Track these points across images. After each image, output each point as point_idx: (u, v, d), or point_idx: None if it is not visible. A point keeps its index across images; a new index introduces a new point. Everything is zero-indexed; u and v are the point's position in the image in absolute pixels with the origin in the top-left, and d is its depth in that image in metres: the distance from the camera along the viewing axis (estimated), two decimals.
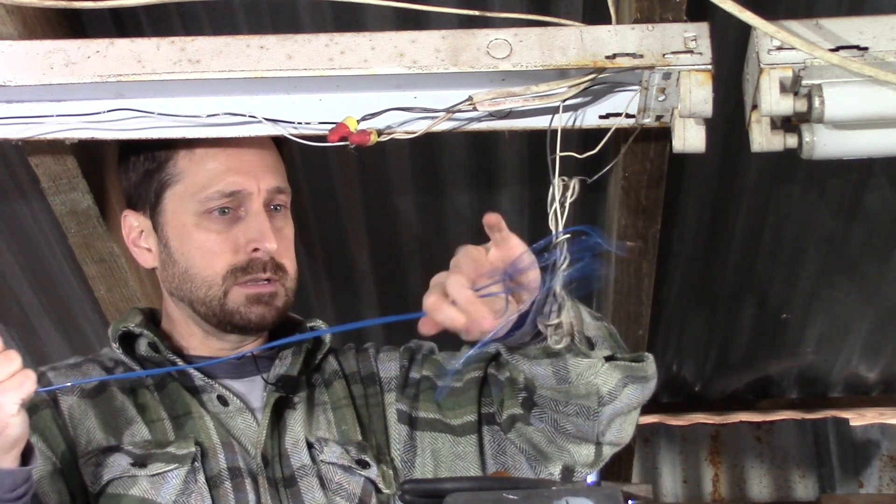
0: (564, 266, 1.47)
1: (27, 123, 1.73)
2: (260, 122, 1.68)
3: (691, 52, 1.63)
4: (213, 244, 1.66)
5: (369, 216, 2.60)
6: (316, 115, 1.71)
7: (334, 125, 1.65)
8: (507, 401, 1.70)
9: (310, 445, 1.67)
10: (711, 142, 1.71)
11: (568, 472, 1.67)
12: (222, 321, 1.67)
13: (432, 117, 1.67)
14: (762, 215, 2.60)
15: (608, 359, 1.57)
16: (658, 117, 1.73)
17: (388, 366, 1.79)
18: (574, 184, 1.57)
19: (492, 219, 1.43)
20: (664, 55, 1.63)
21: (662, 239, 2.37)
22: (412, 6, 1.73)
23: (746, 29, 1.64)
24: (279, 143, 1.75)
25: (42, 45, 1.66)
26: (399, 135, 1.68)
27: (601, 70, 1.64)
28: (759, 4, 1.62)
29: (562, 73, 1.65)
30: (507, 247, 1.43)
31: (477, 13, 1.77)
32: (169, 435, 1.62)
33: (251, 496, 1.59)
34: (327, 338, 1.77)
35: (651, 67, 1.63)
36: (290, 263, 1.70)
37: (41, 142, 1.78)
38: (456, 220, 2.61)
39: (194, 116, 1.69)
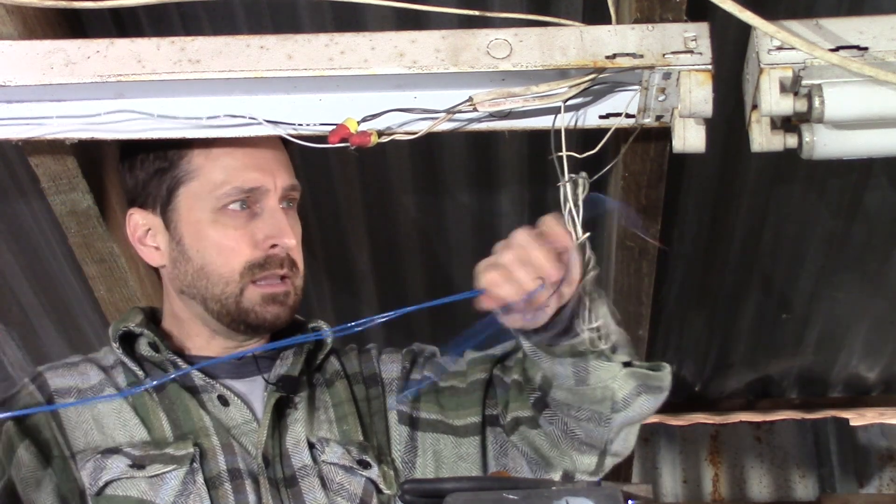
0: (592, 265, 1.50)
1: (27, 124, 1.72)
2: (260, 123, 1.68)
3: (691, 52, 1.63)
4: (230, 240, 1.66)
5: (369, 216, 2.60)
6: (316, 115, 1.71)
7: (335, 126, 1.65)
8: (513, 403, 1.70)
9: (311, 446, 1.67)
10: (711, 142, 1.71)
11: (568, 477, 1.68)
12: (236, 319, 1.67)
13: (433, 118, 1.67)
14: (762, 215, 2.60)
15: (626, 365, 1.58)
16: (658, 117, 1.73)
17: (391, 367, 1.79)
18: (584, 181, 1.57)
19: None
20: (664, 55, 1.63)
21: (662, 239, 2.37)
22: (412, 6, 1.73)
23: (746, 29, 1.64)
24: (285, 141, 1.75)
25: (42, 45, 1.66)
26: (399, 136, 1.68)
27: (601, 70, 1.64)
28: (759, 4, 1.62)
29: (562, 73, 1.65)
30: (554, 239, 1.48)
31: (477, 13, 1.77)
32: (167, 436, 1.62)
33: (251, 497, 1.59)
34: (329, 338, 1.77)
35: (651, 67, 1.63)
36: (300, 261, 1.71)
37: (41, 142, 1.78)
38: (456, 220, 2.62)
39: (194, 117, 1.69)
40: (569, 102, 1.68)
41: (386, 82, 1.67)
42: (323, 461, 1.66)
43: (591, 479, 1.69)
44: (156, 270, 1.78)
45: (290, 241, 1.66)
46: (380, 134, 1.67)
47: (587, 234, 1.53)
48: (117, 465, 1.58)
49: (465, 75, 1.64)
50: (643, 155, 2.05)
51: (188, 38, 1.65)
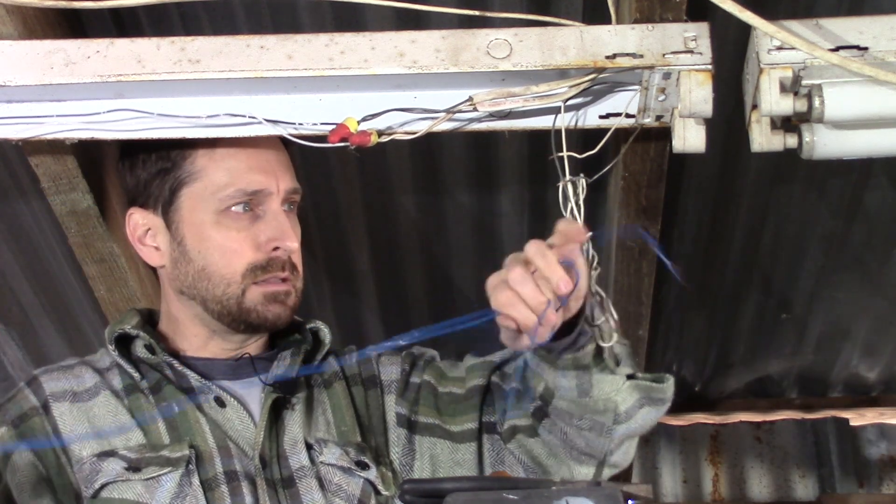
0: (595, 264, 1.50)
1: (27, 123, 1.73)
2: (260, 122, 1.68)
3: (691, 52, 1.63)
4: (232, 242, 1.66)
5: (369, 216, 2.60)
6: (316, 115, 1.71)
7: (335, 126, 1.65)
8: (511, 411, 1.70)
9: (309, 447, 1.66)
10: (711, 142, 1.71)
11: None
12: (237, 319, 1.67)
13: (432, 118, 1.67)
14: (762, 215, 2.60)
15: (629, 377, 1.58)
16: (658, 117, 1.73)
17: (390, 369, 1.79)
18: (582, 182, 1.57)
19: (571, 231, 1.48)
20: (664, 55, 1.63)
21: (662, 239, 2.37)
22: (412, 6, 1.73)
23: (746, 29, 1.64)
24: (286, 141, 1.75)
25: (42, 45, 1.66)
26: (399, 135, 1.68)
27: (601, 70, 1.64)
28: (759, 4, 1.62)
29: (562, 73, 1.65)
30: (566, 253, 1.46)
31: (477, 13, 1.77)
32: (164, 438, 1.62)
33: (248, 499, 1.59)
34: (327, 339, 1.77)
35: (651, 67, 1.63)
36: (301, 264, 1.71)
37: (41, 142, 1.78)
38: (456, 220, 2.61)
39: (194, 117, 1.69)
40: (569, 102, 1.68)
41: (386, 82, 1.67)
42: (321, 462, 1.65)
43: None
44: (154, 271, 1.78)
45: (293, 243, 1.67)
46: (380, 134, 1.67)
47: (589, 234, 1.53)
48: (113, 467, 1.58)
49: (465, 75, 1.64)
50: (643, 155, 2.05)
51: (188, 38, 1.65)
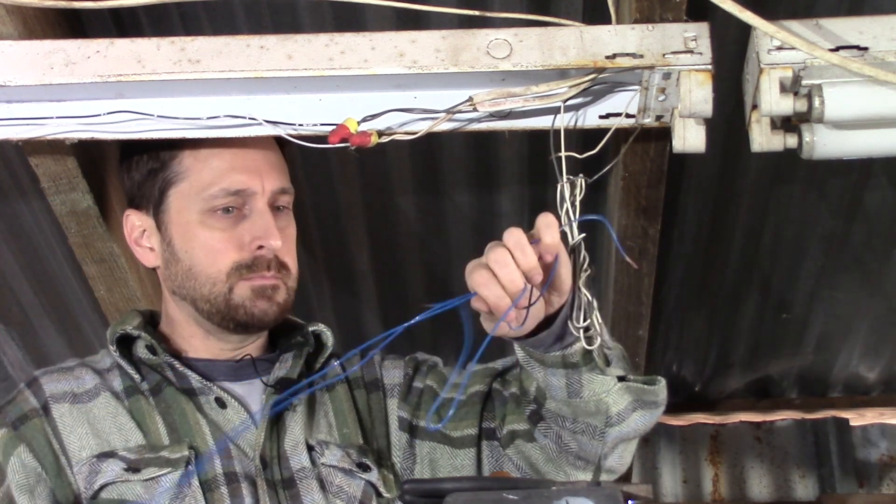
0: (585, 266, 1.50)
1: (27, 124, 1.73)
2: (260, 123, 1.68)
3: (691, 52, 1.63)
4: (217, 242, 1.66)
5: (369, 216, 2.60)
6: (316, 115, 1.71)
7: (335, 126, 1.65)
8: (510, 416, 1.70)
9: (310, 448, 1.66)
10: (711, 142, 1.71)
11: None
12: (225, 317, 1.66)
13: (432, 118, 1.67)
14: (762, 215, 2.60)
15: (620, 379, 1.58)
16: (658, 117, 1.73)
17: (393, 373, 1.79)
18: (581, 182, 1.57)
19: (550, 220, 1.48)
20: (664, 55, 1.63)
21: (662, 239, 2.37)
22: (412, 6, 1.73)
23: (746, 29, 1.64)
24: (282, 142, 1.75)
25: (42, 45, 1.66)
26: (399, 136, 1.68)
27: (601, 70, 1.64)
28: (759, 4, 1.62)
29: (562, 73, 1.65)
30: (547, 244, 1.47)
31: (477, 13, 1.77)
32: (163, 439, 1.62)
33: (248, 500, 1.59)
34: (329, 342, 1.77)
35: (651, 67, 1.63)
36: (292, 263, 1.70)
37: (41, 142, 1.78)
38: (456, 220, 2.61)
39: (194, 118, 1.69)
40: (569, 102, 1.68)
41: (386, 82, 1.67)
42: (322, 464, 1.65)
43: None
44: (154, 271, 1.78)
45: (276, 242, 1.65)
46: (380, 134, 1.67)
47: (582, 235, 1.53)
48: (112, 468, 1.58)
49: (465, 75, 1.64)
50: (643, 155, 2.05)
51: (188, 38, 1.65)
